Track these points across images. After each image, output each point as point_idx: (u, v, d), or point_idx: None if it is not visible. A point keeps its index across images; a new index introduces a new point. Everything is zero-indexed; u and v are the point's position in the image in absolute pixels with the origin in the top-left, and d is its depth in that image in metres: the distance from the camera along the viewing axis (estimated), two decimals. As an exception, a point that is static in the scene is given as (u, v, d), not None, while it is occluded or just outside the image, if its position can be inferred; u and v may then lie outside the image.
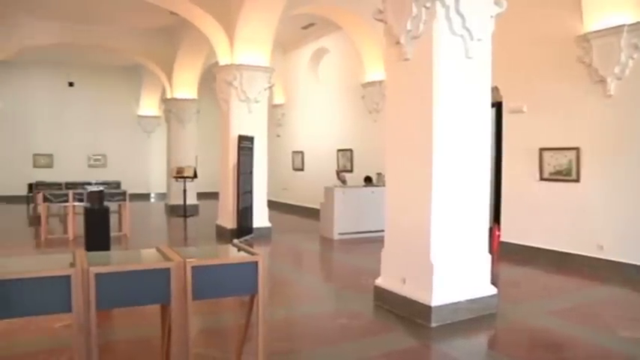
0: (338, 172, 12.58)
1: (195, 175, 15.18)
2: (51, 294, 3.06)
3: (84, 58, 18.76)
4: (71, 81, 20.40)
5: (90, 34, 14.97)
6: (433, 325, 5.26)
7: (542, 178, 8.70)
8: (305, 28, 14.92)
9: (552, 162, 8.53)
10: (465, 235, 5.64)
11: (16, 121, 19.79)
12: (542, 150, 8.66)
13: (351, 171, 13.79)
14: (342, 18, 12.62)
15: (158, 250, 3.74)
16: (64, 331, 5.01)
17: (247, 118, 11.12)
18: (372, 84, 12.92)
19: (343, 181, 12.05)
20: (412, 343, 5.00)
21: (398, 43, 5.65)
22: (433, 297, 5.33)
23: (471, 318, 5.49)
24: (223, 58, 11.29)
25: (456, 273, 5.52)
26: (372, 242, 9.38)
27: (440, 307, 5.33)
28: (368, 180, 11.96)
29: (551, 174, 8.56)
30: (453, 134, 5.48)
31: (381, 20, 5.96)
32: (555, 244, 8.49)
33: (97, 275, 3.10)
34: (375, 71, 12.83)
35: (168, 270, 3.30)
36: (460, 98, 5.51)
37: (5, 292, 2.93)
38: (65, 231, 11.56)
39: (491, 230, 6.85)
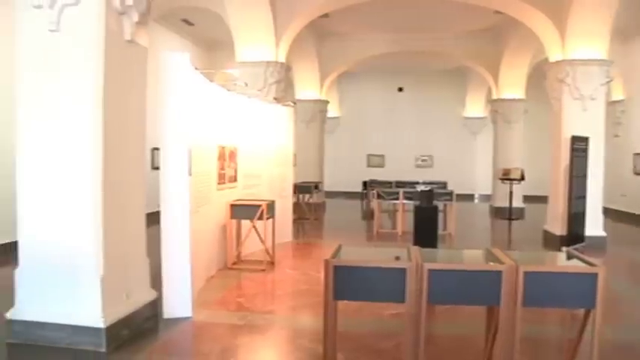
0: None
1: (522, 178, 14.72)
2: (388, 284, 3.35)
3: (411, 64, 19.81)
4: (400, 86, 22.06)
5: (417, 41, 15.86)
6: None
7: None
8: (653, 10, 13.13)
9: None
10: None
11: (354, 125, 22.26)
12: None
13: None
14: None
15: (488, 251, 3.76)
16: (391, 319, 5.42)
17: (581, 117, 10.29)
18: None
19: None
20: None
21: None
22: None
23: None
24: (554, 54, 10.68)
25: None
26: None
27: None
28: None
29: None
30: None
31: None
32: None
33: (431, 271, 3.27)
34: None
35: (499, 273, 3.29)
36: None
37: (352, 277, 3.32)
38: (394, 226, 12.44)
39: None
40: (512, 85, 15.87)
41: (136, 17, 4.82)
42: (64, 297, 4.64)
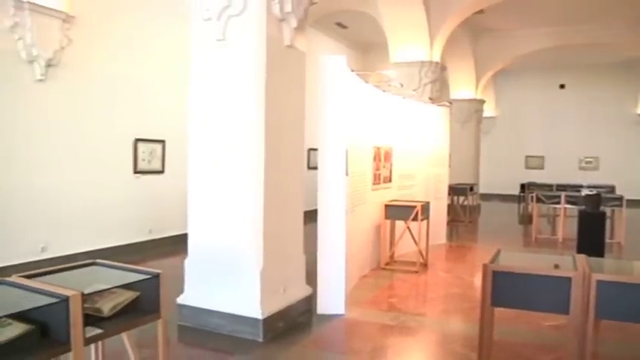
0: None
1: None
2: (551, 293, 3.17)
3: (574, 59, 18.69)
4: (562, 83, 20.80)
5: (579, 34, 14.82)
6: None
7: None
8: None
9: None
10: None
11: (510, 125, 21.51)
12: None
13: None
14: None
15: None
16: (551, 330, 5.14)
17: None
18: None
19: None
20: None
21: None
22: None
23: None
24: None
25: None
26: None
27: None
28: None
29: None
30: None
31: None
32: None
33: (599, 282, 3.04)
34: None
35: (685, 291, 2.96)
36: None
37: (511, 284, 3.19)
38: (554, 232, 11.74)
39: None
40: (697, 78, 14.20)
41: (294, 23, 5.04)
42: (226, 288, 4.99)
